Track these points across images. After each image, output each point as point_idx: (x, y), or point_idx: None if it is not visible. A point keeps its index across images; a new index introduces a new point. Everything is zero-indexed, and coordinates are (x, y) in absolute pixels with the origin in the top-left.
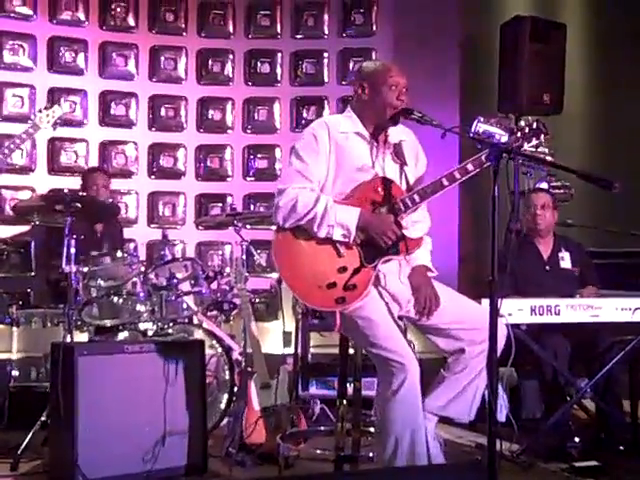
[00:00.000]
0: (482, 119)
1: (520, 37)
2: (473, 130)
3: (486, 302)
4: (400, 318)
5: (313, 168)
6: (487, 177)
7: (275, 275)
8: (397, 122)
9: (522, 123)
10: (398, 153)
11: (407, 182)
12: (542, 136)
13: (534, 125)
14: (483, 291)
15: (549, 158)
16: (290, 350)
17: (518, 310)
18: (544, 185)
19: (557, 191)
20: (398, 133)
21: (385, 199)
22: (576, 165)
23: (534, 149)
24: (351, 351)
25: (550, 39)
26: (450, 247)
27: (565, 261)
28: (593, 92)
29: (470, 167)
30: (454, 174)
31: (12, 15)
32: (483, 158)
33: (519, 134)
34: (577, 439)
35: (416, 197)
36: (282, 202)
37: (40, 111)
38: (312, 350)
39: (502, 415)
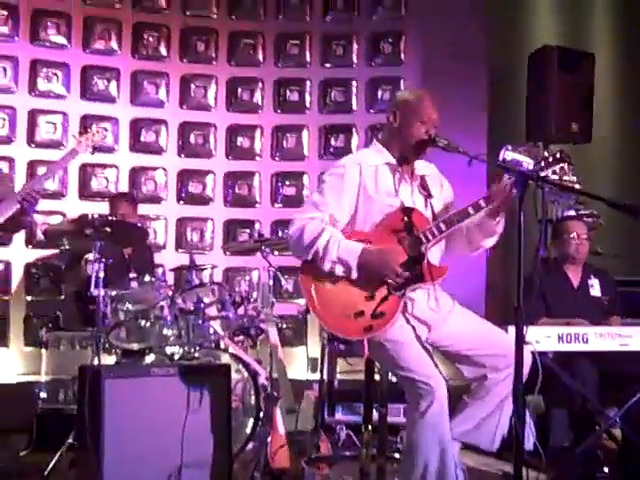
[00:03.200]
0: (510, 147)
1: (548, 67)
2: (500, 158)
3: (512, 329)
4: (427, 344)
5: (330, 203)
6: (516, 205)
7: (302, 301)
8: (422, 152)
9: (546, 153)
10: (423, 186)
11: (433, 214)
12: (566, 165)
13: (557, 154)
14: (510, 318)
15: (577, 186)
16: (316, 376)
17: (546, 337)
18: (572, 213)
19: (586, 219)
20: (422, 167)
21: (408, 228)
22: (606, 194)
23: (558, 178)
24: (377, 377)
25: (578, 68)
26: (478, 274)
27: (595, 289)
28: (622, 120)
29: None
30: (479, 202)
31: (47, 44)
32: (506, 183)
33: (542, 163)
34: (606, 469)
35: (442, 225)
36: (291, 231)
37: (80, 134)
38: (338, 376)
39: (529, 443)
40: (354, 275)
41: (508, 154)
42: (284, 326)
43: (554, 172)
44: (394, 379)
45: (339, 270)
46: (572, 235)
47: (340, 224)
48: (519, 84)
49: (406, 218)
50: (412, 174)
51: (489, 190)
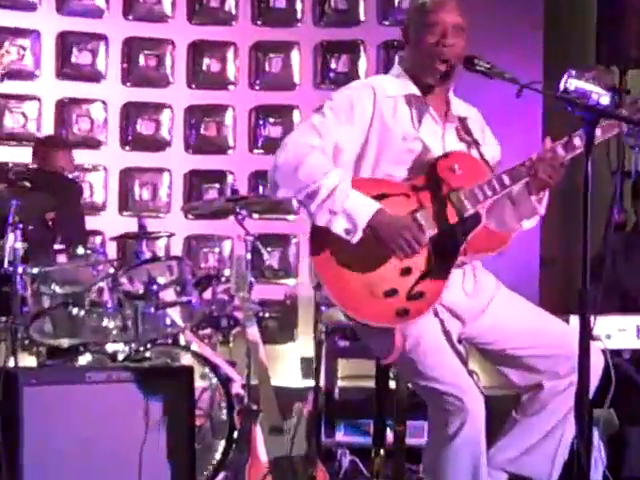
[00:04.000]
0: (574, 73)
1: None
2: (561, 87)
3: (576, 320)
4: (460, 341)
5: (335, 130)
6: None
7: (291, 281)
8: (448, 76)
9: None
10: (465, 129)
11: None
12: None
13: None
14: (572, 305)
15: None
16: (310, 383)
17: (620, 331)
18: None
19: None
20: (460, 107)
21: (465, 181)
22: None
23: None
24: (392, 384)
25: None
26: (529, 247)
27: None
28: None
29: (577, 142)
30: (519, 169)
31: None
32: (576, 141)
33: (628, 100)
34: None
35: (506, 179)
36: (282, 159)
37: None
38: (340, 383)
39: (598, 472)
40: (356, 237)
41: (571, 82)
42: (267, 316)
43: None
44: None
45: (339, 225)
46: None
47: (342, 160)
48: None
49: (455, 165)
50: (446, 113)
51: (538, 152)
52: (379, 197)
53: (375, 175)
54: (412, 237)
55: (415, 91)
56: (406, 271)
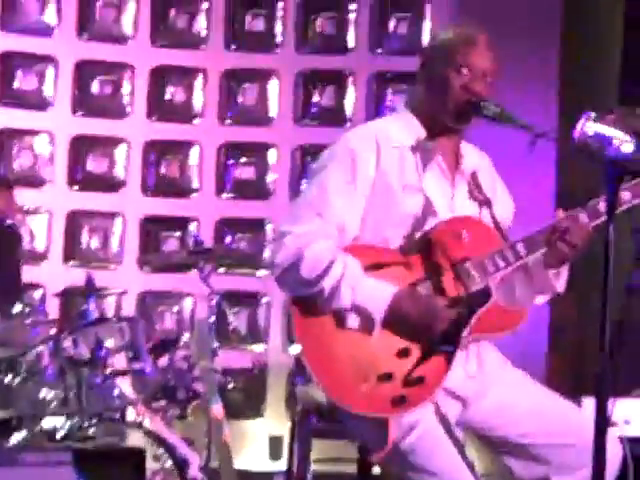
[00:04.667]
0: (593, 115)
1: None
2: (579, 133)
3: (590, 403)
4: (459, 425)
5: (336, 204)
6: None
7: (259, 348)
8: (462, 122)
9: None
10: (477, 185)
11: (498, 230)
12: None
13: None
14: (586, 385)
15: None
16: (280, 465)
17: None
18: None
19: None
20: (472, 156)
21: (472, 251)
22: None
23: None
24: (377, 471)
25: None
26: (538, 313)
27: None
28: None
29: (603, 207)
30: (535, 238)
31: None
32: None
33: None
34: None
35: (521, 249)
36: (280, 257)
37: None
38: (314, 467)
39: None
40: (376, 332)
41: (590, 126)
42: (231, 387)
43: None
44: None
45: (353, 322)
46: None
47: (349, 236)
48: (611, 10)
49: (463, 231)
50: (457, 166)
51: (556, 218)
52: (373, 267)
53: (373, 240)
54: (446, 327)
55: (423, 136)
56: (404, 352)
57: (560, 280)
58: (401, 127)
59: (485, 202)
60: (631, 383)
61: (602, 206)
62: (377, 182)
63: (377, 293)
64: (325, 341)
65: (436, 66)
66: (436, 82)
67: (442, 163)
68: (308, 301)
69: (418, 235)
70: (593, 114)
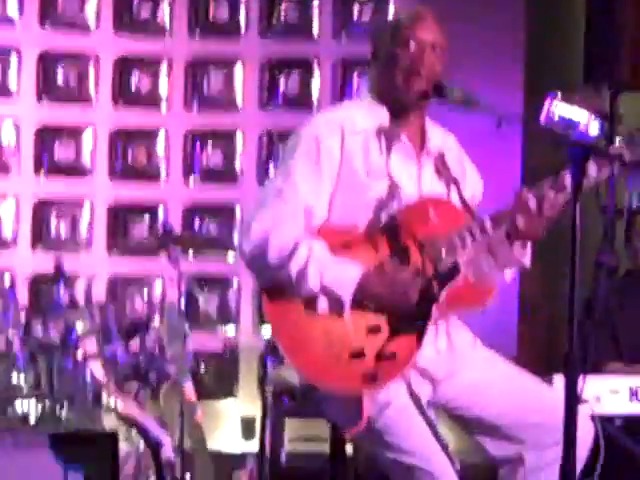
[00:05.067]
0: (559, 96)
1: None
2: (545, 114)
3: (561, 381)
4: (431, 405)
5: (303, 189)
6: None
7: (231, 329)
8: (426, 97)
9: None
10: (443, 166)
11: (466, 209)
12: None
13: None
14: (556, 364)
15: None
16: (253, 446)
17: (611, 393)
18: None
19: None
20: (437, 136)
21: (440, 229)
22: None
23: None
24: (350, 450)
25: None
26: (506, 293)
27: None
28: None
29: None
30: (498, 217)
31: None
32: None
33: (624, 142)
34: None
35: (487, 223)
36: (246, 243)
37: None
38: (288, 447)
39: None
40: (346, 312)
41: (557, 106)
42: (203, 368)
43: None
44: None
45: (322, 304)
46: None
47: (316, 221)
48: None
49: (430, 211)
50: (422, 146)
51: (517, 195)
52: (341, 248)
53: (341, 223)
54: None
55: (386, 119)
56: (374, 329)
57: (527, 254)
58: (364, 112)
59: (452, 181)
60: (601, 359)
61: (567, 179)
62: (343, 167)
63: (344, 274)
64: (296, 322)
65: (385, 46)
66: (387, 62)
67: (407, 143)
68: (277, 285)
69: (385, 217)
70: (559, 95)
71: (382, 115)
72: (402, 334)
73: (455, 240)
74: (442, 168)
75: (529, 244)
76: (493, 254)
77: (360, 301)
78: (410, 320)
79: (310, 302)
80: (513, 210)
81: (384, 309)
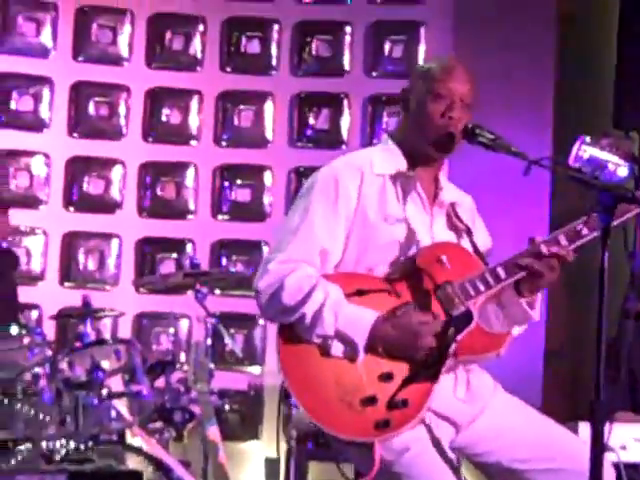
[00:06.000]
0: (588, 140)
1: None
2: (574, 157)
3: (586, 428)
4: (453, 449)
5: (319, 232)
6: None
7: (256, 370)
8: (445, 149)
9: None
10: (457, 216)
11: (479, 256)
12: None
13: None
14: (582, 410)
15: None
16: None
17: (636, 441)
18: None
19: None
20: (452, 191)
21: (454, 275)
22: None
23: None
24: None
25: None
26: (533, 338)
27: None
28: None
29: (583, 230)
30: (511, 267)
31: None
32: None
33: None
34: None
35: (501, 272)
36: (262, 283)
37: None
38: None
39: None
40: (360, 357)
41: (586, 150)
42: (228, 408)
43: None
44: None
45: (337, 349)
46: None
47: (331, 263)
48: (606, 39)
49: (444, 256)
50: (435, 196)
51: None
52: (357, 294)
53: (357, 269)
54: (430, 342)
55: (404, 166)
56: (387, 376)
57: (535, 308)
58: (384, 157)
59: (464, 230)
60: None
61: (580, 228)
62: (359, 211)
63: (359, 319)
64: (309, 367)
65: (415, 95)
66: (415, 111)
67: (422, 192)
68: (292, 328)
69: (401, 261)
70: (587, 138)
71: (400, 161)
72: (415, 381)
73: (468, 287)
74: (455, 219)
75: (538, 300)
76: (503, 308)
77: (374, 347)
78: (424, 367)
79: (324, 346)
80: (525, 257)
81: (397, 355)
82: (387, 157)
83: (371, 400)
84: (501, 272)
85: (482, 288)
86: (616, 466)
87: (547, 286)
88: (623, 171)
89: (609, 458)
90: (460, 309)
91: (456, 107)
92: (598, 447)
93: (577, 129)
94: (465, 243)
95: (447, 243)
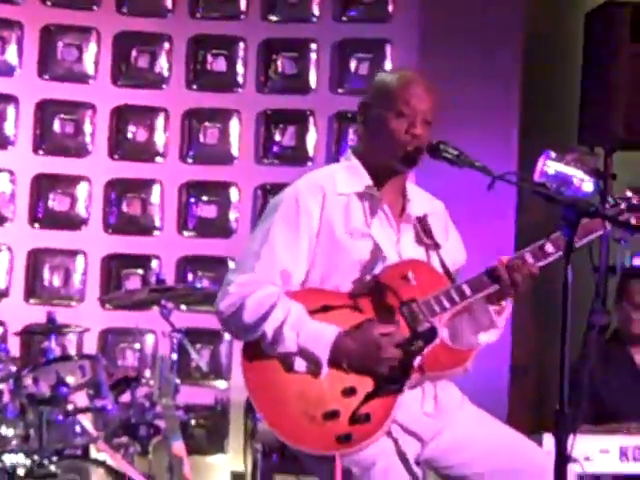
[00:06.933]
0: (553, 155)
1: (615, 33)
2: (539, 172)
3: (550, 440)
4: (418, 463)
5: (280, 253)
6: None
7: (222, 384)
8: (411, 163)
9: (628, 193)
10: (424, 231)
11: (446, 273)
12: None
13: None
14: (547, 423)
15: None
16: None
17: (601, 453)
18: None
19: None
20: (422, 202)
21: (419, 292)
22: None
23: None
24: None
25: None
26: (498, 352)
27: None
28: None
29: (549, 248)
30: (482, 279)
31: None
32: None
33: (622, 205)
34: None
35: (466, 289)
36: (223, 304)
37: None
38: None
39: None
40: (323, 372)
41: (550, 165)
42: (194, 423)
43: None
44: None
45: (300, 365)
46: (633, 304)
47: (294, 284)
48: (571, 58)
49: (409, 273)
50: (402, 212)
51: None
52: (321, 310)
53: (324, 287)
54: (392, 353)
55: (369, 183)
56: (350, 391)
57: (502, 316)
58: (347, 175)
59: (433, 246)
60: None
61: (548, 247)
62: (322, 231)
63: (321, 334)
64: (273, 382)
65: (376, 110)
66: (377, 127)
67: (387, 210)
68: (257, 344)
69: (367, 278)
70: (553, 153)
71: (364, 179)
72: (378, 396)
73: (433, 304)
74: (422, 234)
75: (508, 306)
76: (471, 315)
77: (338, 362)
78: (387, 382)
79: (287, 362)
80: (497, 270)
81: (361, 369)
82: (350, 174)
83: (333, 414)
84: (466, 289)
85: (447, 305)
86: (580, 477)
87: (514, 295)
88: (588, 186)
89: (573, 469)
90: (425, 325)
91: (418, 124)
92: (562, 458)
93: (542, 145)
94: (433, 258)
95: (413, 260)
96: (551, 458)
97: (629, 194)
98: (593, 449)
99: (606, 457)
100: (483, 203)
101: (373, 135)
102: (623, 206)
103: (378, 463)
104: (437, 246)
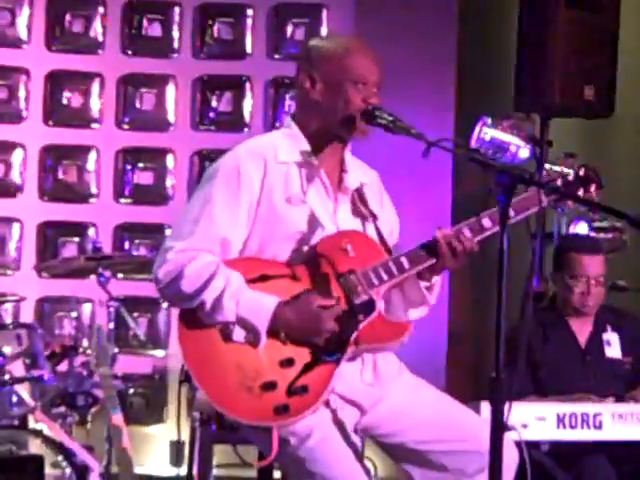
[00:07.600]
0: (489, 121)
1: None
2: (475, 139)
3: (487, 407)
4: (355, 431)
5: (220, 220)
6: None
7: (160, 353)
8: (348, 135)
9: (568, 170)
10: (361, 201)
11: (383, 244)
12: (593, 187)
13: (582, 172)
14: (483, 390)
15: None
16: (182, 471)
17: (537, 420)
18: (583, 226)
19: (603, 235)
20: (357, 173)
21: (357, 264)
22: (630, 195)
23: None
24: (277, 475)
25: (597, 4)
26: (435, 321)
27: (612, 347)
28: None
29: (487, 223)
30: (419, 253)
31: None
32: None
33: (559, 181)
34: None
35: (405, 262)
36: (161, 272)
37: None
38: (216, 472)
39: None
40: (261, 342)
41: (487, 132)
42: (132, 392)
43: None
44: None
45: (238, 334)
46: (579, 278)
47: (233, 252)
48: (507, 25)
49: (348, 245)
50: (340, 182)
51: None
52: (259, 280)
53: (261, 255)
54: (331, 326)
55: (307, 150)
56: (287, 362)
57: (433, 293)
58: (288, 143)
59: (370, 216)
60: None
61: (486, 222)
62: (262, 199)
63: (260, 304)
64: (211, 351)
65: (327, 78)
66: (329, 94)
67: (325, 179)
68: (194, 312)
69: (305, 249)
70: (489, 119)
71: (303, 146)
72: (316, 367)
73: (371, 276)
74: (360, 204)
75: (437, 282)
76: (402, 290)
77: (276, 332)
78: (325, 353)
79: (226, 331)
80: (435, 244)
81: (299, 340)
82: (290, 143)
83: (271, 385)
84: (405, 262)
85: (385, 277)
86: (518, 444)
87: (449, 269)
88: (524, 152)
89: (511, 437)
90: (363, 297)
91: (373, 95)
92: (498, 425)
93: (479, 111)
94: (370, 229)
95: (352, 231)
96: (488, 426)
97: (566, 170)
98: (530, 416)
99: (543, 424)
100: (419, 172)
101: (321, 102)
102: (559, 182)
103: (315, 433)
104: (374, 217)
